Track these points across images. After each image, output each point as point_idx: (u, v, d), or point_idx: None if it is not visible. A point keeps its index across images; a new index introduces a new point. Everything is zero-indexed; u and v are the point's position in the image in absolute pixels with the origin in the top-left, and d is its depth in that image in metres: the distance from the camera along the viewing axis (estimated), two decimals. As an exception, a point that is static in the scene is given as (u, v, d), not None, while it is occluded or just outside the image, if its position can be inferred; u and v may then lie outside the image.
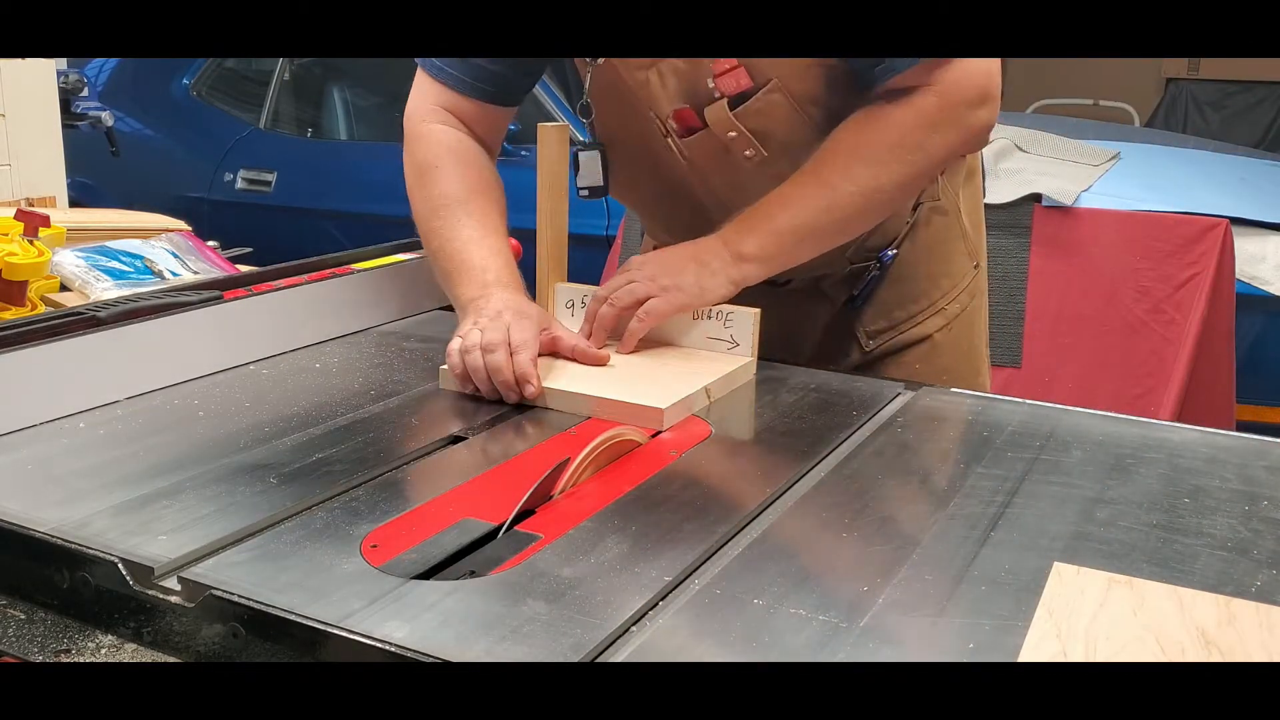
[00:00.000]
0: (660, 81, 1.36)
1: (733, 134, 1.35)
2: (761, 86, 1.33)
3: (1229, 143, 4.60)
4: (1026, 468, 1.05)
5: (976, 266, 1.61)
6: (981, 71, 1.32)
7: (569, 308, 1.40)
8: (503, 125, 1.50)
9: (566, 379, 1.22)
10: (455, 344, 1.24)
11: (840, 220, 1.36)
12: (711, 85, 1.34)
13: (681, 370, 1.26)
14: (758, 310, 1.30)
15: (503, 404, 1.20)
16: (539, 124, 1.39)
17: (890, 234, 1.49)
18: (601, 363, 1.28)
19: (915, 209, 1.51)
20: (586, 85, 1.40)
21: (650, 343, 1.34)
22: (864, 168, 1.32)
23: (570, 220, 1.45)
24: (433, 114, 1.43)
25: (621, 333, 1.33)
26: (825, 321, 1.53)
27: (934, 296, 1.55)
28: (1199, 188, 3.23)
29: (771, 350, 1.38)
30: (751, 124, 1.35)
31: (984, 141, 1.41)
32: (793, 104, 1.35)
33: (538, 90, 4.07)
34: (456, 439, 1.11)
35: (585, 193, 1.47)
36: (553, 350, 1.28)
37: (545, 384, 1.19)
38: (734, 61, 1.32)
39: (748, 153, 1.37)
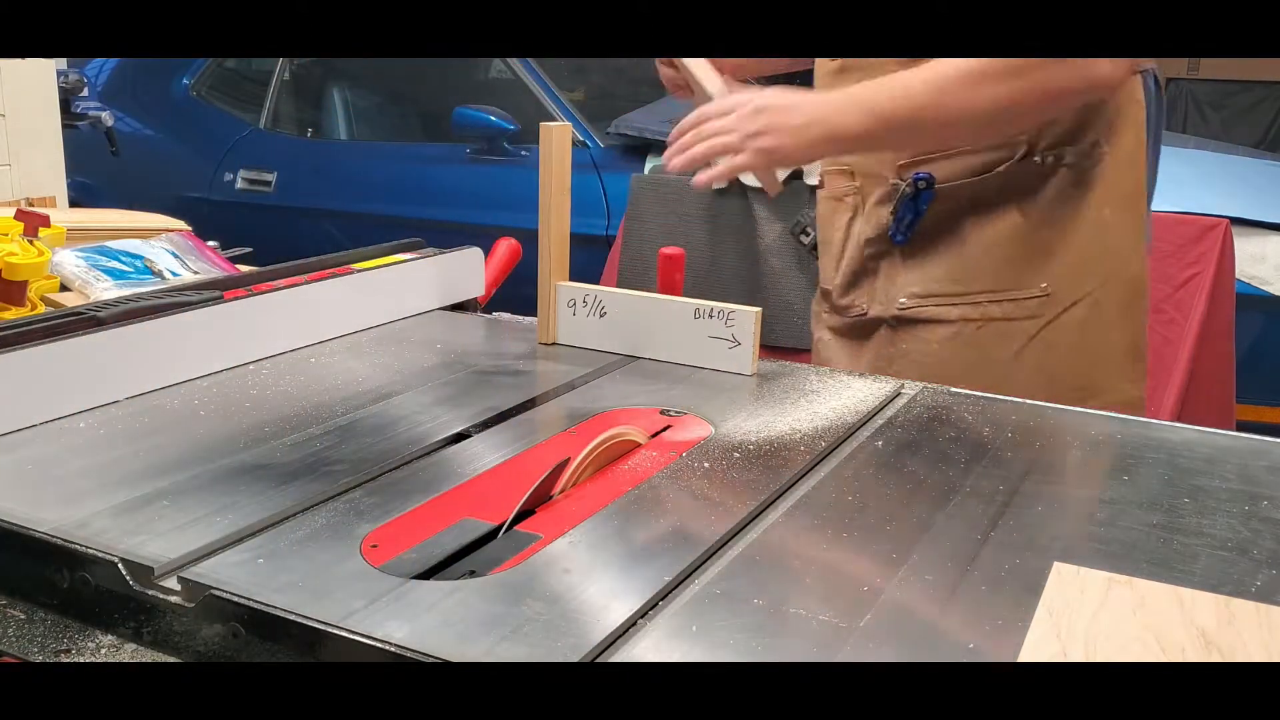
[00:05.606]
0: None
1: None
2: None
3: (1229, 143, 4.60)
4: (1026, 468, 1.05)
5: (1103, 282, 1.44)
6: None
7: (570, 306, 1.41)
8: None
9: None
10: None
11: (934, 123, 1.32)
12: None
13: None
14: (758, 310, 1.31)
15: (500, 404, 1.19)
16: (540, 123, 1.40)
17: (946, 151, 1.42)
18: None
19: (1025, 157, 1.40)
20: None
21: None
22: (980, 73, 1.27)
23: (570, 220, 1.45)
24: None
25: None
26: (867, 236, 1.49)
27: (988, 284, 1.42)
28: (1199, 188, 3.22)
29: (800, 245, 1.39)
30: None
31: (1105, 91, 1.36)
32: None
33: (538, 90, 4.08)
34: (461, 436, 1.11)
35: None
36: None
37: None
38: None
39: None
